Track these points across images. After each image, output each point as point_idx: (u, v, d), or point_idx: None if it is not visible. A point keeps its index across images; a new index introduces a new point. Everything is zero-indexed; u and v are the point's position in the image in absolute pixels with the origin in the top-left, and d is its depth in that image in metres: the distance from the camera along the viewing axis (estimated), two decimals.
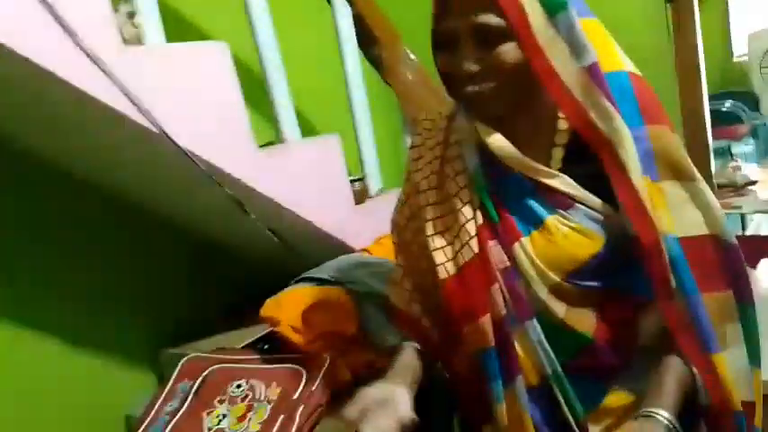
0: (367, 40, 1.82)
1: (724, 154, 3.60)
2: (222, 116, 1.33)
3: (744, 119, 4.23)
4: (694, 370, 0.81)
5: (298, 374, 1.28)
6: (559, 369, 0.86)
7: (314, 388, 1.25)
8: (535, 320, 0.86)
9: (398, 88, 1.86)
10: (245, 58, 1.62)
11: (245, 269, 1.84)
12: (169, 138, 1.19)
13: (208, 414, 1.27)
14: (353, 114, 1.78)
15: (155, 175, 1.51)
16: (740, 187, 2.77)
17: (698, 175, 0.83)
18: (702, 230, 0.82)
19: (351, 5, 1.75)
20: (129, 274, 1.69)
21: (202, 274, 1.85)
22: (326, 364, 1.29)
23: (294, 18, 2.02)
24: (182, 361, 1.40)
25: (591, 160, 0.81)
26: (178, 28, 1.53)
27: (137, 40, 1.37)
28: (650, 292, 0.80)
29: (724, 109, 4.16)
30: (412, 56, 1.85)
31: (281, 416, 1.22)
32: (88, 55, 1.07)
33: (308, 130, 2.00)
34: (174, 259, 1.80)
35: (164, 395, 1.34)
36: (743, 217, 2.93)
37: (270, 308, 1.33)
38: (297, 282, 1.44)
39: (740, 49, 5.10)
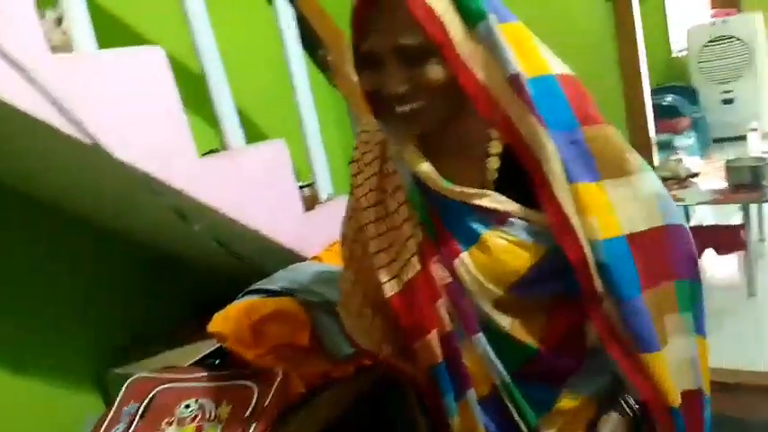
0: (311, 42, 1.79)
1: (666, 147, 3.71)
2: (160, 124, 1.28)
3: (685, 112, 4.37)
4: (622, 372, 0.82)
5: (249, 391, 1.24)
6: (508, 379, 0.86)
7: (266, 404, 1.21)
8: (481, 334, 0.85)
9: (345, 90, 1.83)
10: (184, 61, 1.56)
11: (198, 281, 1.78)
12: (103, 149, 1.13)
13: None
14: (301, 118, 1.74)
15: (95, 186, 1.44)
16: (683, 179, 2.85)
17: (640, 164, 0.83)
18: (649, 223, 0.82)
19: (293, 6, 1.70)
20: (71, 290, 1.61)
21: (152, 287, 1.78)
22: (279, 379, 1.26)
23: (236, 18, 1.97)
24: (126, 383, 1.34)
25: None
26: (111, 33, 1.46)
27: (66, 48, 1.30)
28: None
29: (665, 103, 4.29)
30: None
31: None
32: (12, 63, 1.00)
33: (254, 135, 1.95)
34: (122, 273, 1.73)
35: (108, 419, 1.29)
36: (686, 209, 3.01)
37: (217, 323, 1.28)
38: (245, 294, 1.40)
39: (680, 44, 5.27)
